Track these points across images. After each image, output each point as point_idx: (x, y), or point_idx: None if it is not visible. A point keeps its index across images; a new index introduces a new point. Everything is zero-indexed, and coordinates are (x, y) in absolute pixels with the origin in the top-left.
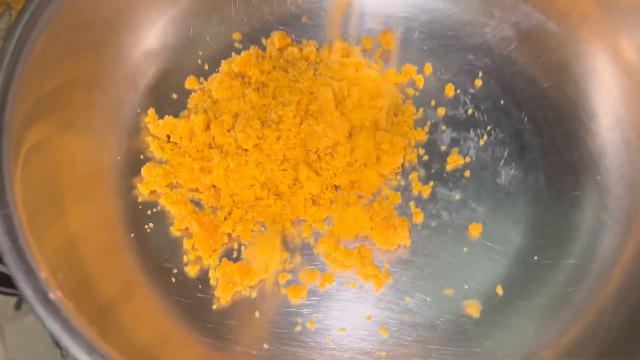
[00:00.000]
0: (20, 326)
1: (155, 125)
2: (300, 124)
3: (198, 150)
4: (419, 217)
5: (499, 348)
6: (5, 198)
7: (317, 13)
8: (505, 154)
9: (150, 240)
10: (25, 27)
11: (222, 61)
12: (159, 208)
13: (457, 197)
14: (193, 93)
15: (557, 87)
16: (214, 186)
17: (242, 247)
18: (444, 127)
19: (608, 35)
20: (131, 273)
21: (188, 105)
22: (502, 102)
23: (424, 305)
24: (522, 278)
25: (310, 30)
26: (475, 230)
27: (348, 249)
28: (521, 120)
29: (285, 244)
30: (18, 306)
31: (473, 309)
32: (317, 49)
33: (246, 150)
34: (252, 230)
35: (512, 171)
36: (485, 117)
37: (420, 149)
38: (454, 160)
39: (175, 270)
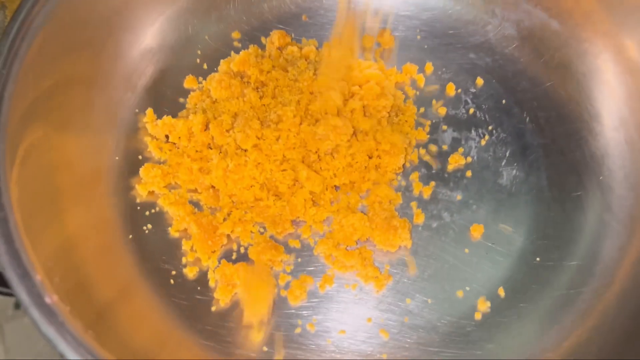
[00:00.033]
0: (20, 326)
1: (153, 125)
2: (300, 123)
3: (197, 151)
4: (420, 218)
5: (501, 350)
6: (0, 200)
7: (317, 12)
8: (507, 154)
9: (148, 242)
10: (21, 26)
11: (221, 60)
12: (157, 209)
13: (459, 197)
14: (192, 92)
15: (560, 86)
16: (213, 187)
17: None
18: (445, 127)
19: (611, 34)
20: (129, 275)
21: (187, 105)
22: (503, 101)
23: (425, 307)
24: (524, 279)
25: (310, 29)
26: (476, 231)
27: (348, 250)
28: (523, 120)
29: (285, 245)
30: (18, 306)
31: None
32: (317, 48)
33: (245, 150)
34: (252, 232)
35: (514, 171)
36: (486, 116)
37: (421, 149)
38: (455, 161)
39: (173, 272)
